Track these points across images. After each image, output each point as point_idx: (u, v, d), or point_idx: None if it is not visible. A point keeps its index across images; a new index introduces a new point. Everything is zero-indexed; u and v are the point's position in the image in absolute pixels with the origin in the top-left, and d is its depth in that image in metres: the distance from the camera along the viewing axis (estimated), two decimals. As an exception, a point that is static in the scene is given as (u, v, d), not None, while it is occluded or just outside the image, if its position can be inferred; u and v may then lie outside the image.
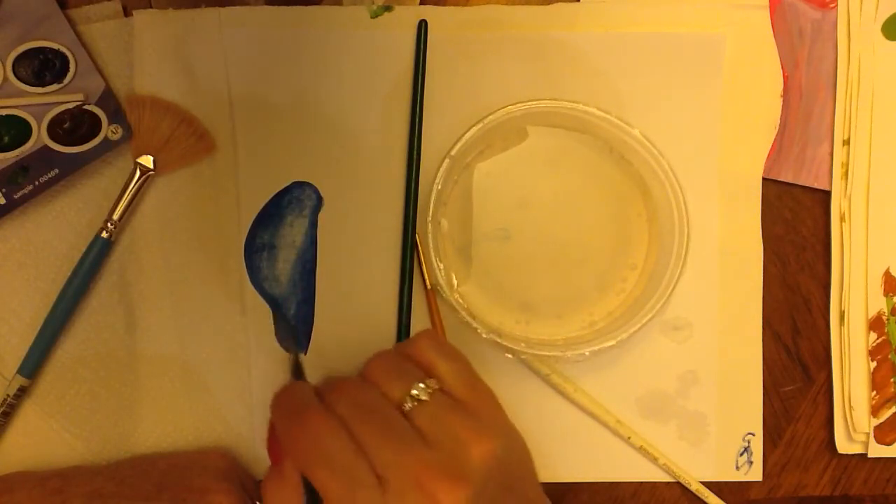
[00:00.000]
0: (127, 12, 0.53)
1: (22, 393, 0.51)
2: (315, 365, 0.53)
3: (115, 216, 0.51)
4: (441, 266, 0.52)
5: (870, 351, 0.53)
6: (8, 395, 0.51)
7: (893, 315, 0.53)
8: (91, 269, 0.51)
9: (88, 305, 0.52)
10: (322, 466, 0.38)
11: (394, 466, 0.37)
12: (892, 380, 0.53)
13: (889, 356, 0.53)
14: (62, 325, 0.52)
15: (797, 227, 0.54)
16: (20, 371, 0.51)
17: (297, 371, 0.48)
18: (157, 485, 0.47)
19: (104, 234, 0.51)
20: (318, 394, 0.41)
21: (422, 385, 0.40)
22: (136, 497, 0.47)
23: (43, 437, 0.52)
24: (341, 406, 0.39)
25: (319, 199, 0.53)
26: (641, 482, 0.54)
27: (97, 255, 0.51)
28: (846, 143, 0.53)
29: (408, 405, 0.40)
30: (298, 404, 0.40)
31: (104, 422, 0.52)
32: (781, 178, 0.54)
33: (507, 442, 0.40)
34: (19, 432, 0.52)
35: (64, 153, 0.51)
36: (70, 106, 0.51)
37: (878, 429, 0.53)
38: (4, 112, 0.50)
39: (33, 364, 0.51)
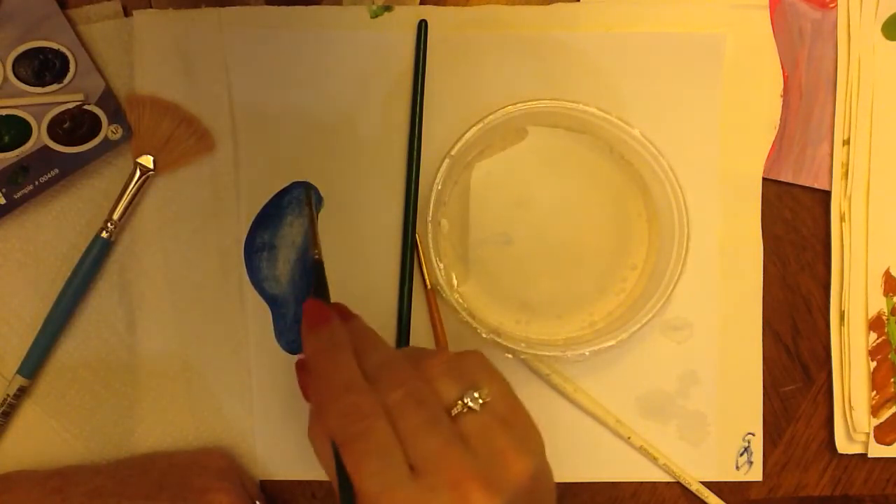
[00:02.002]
0: (127, 12, 0.53)
1: (22, 393, 0.51)
2: (315, 365, 0.53)
3: (115, 216, 0.51)
4: (441, 266, 0.52)
5: (870, 351, 0.53)
6: (8, 395, 0.51)
7: (893, 315, 0.53)
8: (91, 269, 0.51)
9: (88, 305, 0.52)
10: (357, 442, 0.37)
11: (433, 460, 0.37)
12: (892, 380, 0.53)
13: (889, 356, 0.53)
14: (62, 325, 0.52)
15: (797, 227, 0.54)
16: (20, 371, 0.51)
17: (321, 287, 0.46)
18: (157, 483, 0.47)
19: (104, 234, 0.51)
20: (359, 365, 0.41)
21: (475, 394, 0.40)
22: (136, 496, 0.47)
23: (43, 437, 0.52)
24: (393, 393, 0.39)
25: (319, 199, 0.53)
26: (641, 482, 0.54)
27: (97, 255, 0.51)
28: (846, 143, 0.53)
29: (456, 410, 0.39)
30: (344, 377, 0.40)
31: (104, 421, 0.52)
32: (781, 178, 0.54)
33: (541, 467, 0.40)
34: (19, 432, 0.52)
35: (64, 153, 0.51)
36: (70, 106, 0.51)
37: (878, 429, 0.53)
38: (4, 112, 0.50)
39: (33, 364, 0.51)
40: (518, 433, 0.40)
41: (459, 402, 0.40)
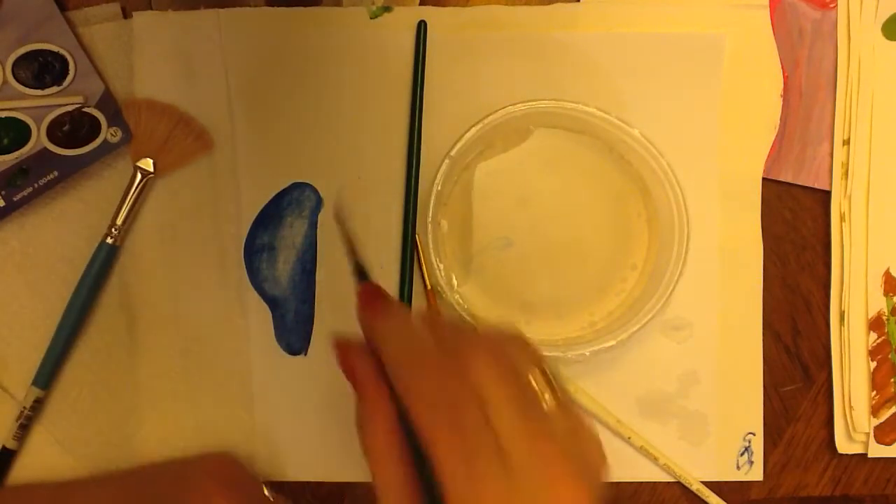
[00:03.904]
0: (126, 14, 0.53)
1: (38, 404, 0.52)
2: (315, 365, 0.53)
3: (119, 221, 0.51)
4: (441, 266, 0.52)
5: (870, 351, 0.53)
6: (24, 408, 0.51)
7: (893, 315, 0.53)
8: (99, 277, 0.51)
9: (89, 307, 0.52)
10: (448, 428, 0.34)
11: (527, 443, 0.34)
12: (892, 380, 0.53)
13: (889, 356, 0.53)
14: (73, 335, 0.52)
15: (797, 227, 0.54)
16: (35, 383, 0.51)
17: (362, 273, 0.42)
18: (160, 496, 0.47)
19: (109, 240, 0.51)
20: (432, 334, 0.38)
21: (562, 385, 0.37)
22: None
23: (44, 440, 0.52)
24: (481, 364, 0.35)
25: (319, 200, 0.53)
26: (641, 482, 0.54)
27: (104, 262, 0.51)
28: (846, 143, 0.53)
29: (548, 400, 0.36)
30: (420, 347, 0.37)
31: (106, 423, 0.52)
32: (781, 178, 0.54)
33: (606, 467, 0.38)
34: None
35: (63, 155, 0.51)
36: (69, 108, 0.51)
37: (878, 429, 0.53)
38: (4, 114, 0.50)
39: (48, 375, 0.51)
40: (594, 432, 0.38)
41: (548, 389, 0.37)
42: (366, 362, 0.38)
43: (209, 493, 0.46)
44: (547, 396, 0.36)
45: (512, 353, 0.37)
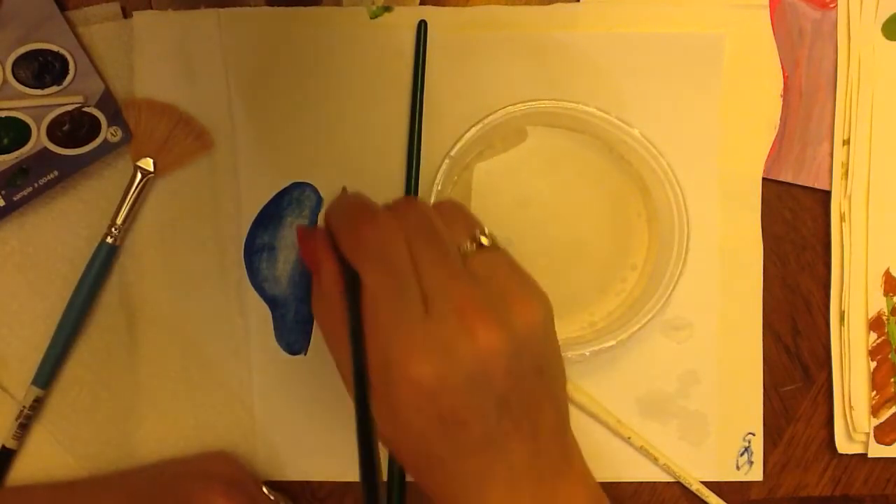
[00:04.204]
0: (126, 14, 0.53)
1: (38, 404, 0.51)
2: (315, 365, 0.53)
3: (119, 220, 0.51)
4: (441, 266, 0.52)
5: (870, 351, 0.53)
6: (24, 407, 0.51)
7: (893, 315, 0.53)
8: (99, 276, 0.51)
9: (88, 307, 0.52)
10: (379, 264, 0.38)
11: (441, 289, 0.37)
12: (892, 380, 0.53)
13: (889, 356, 0.53)
14: (73, 335, 0.52)
15: (797, 227, 0.54)
16: (34, 382, 0.51)
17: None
18: (160, 497, 0.47)
19: (109, 240, 0.51)
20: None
21: (487, 233, 0.40)
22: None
23: (44, 440, 0.52)
24: (408, 220, 0.39)
25: (319, 200, 0.53)
26: (641, 482, 0.54)
27: (104, 262, 0.51)
28: (846, 143, 0.53)
29: (468, 245, 0.39)
30: (365, 208, 0.40)
31: (105, 423, 0.52)
32: (781, 178, 0.54)
33: (549, 317, 0.40)
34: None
35: (63, 155, 0.51)
36: (69, 108, 0.51)
37: (878, 429, 0.53)
38: (4, 114, 0.50)
39: (47, 374, 0.51)
40: (527, 279, 0.40)
41: (469, 240, 0.40)
42: (324, 243, 0.41)
43: (209, 494, 0.46)
44: (475, 251, 0.40)
45: (444, 213, 0.41)
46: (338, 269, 0.40)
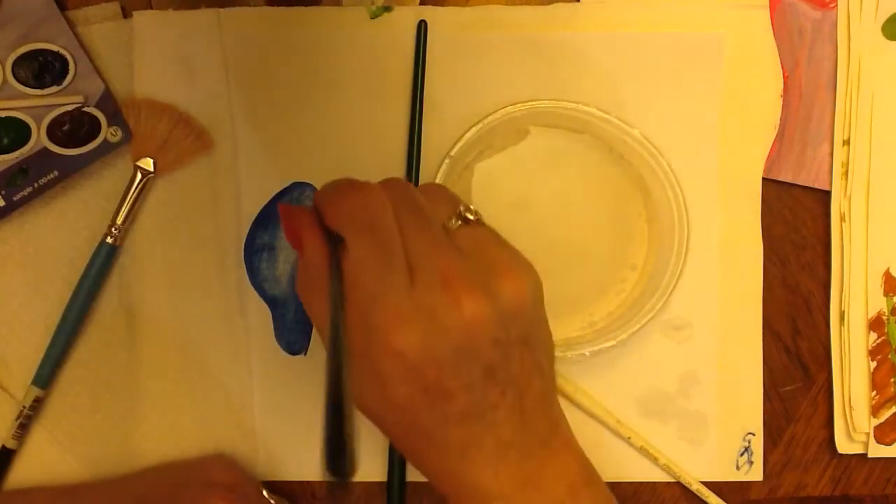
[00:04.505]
0: (126, 14, 0.53)
1: (38, 404, 0.51)
2: (315, 365, 0.53)
3: (119, 220, 0.51)
4: (441, 266, 0.52)
5: (870, 351, 0.53)
6: (24, 407, 0.51)
7: (893, 315, 0.53)
8: (99, 276, 0.51)
9: (89, 307, 0.52)
10: (365, 232, 0.37)
11: (427, 259, 0.37)
12: (892, 380, 0.53)
13: (889, 356, 0.53)
14: (73, 335, 0.52)
15: (797, 227, 0.54)
16: (34, 382, 0.51)
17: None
18: (159, 500, 0.48)
19: (109, 240, 0.51)
20: None
21: (472, 208, 0.40)
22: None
23: (44, 440, 0.52)
24: (392, 193, 0.39)
25: (319, 200, 0.53)
26: (641, 482, 0.54)
27: (104, 262, 0.51)
28: (846, 143, 0.53)
29: (452, 222, 0.39)
30: (351, 180, 0.40)
31: (105, 423, 0.52)
32: (781, 178, 0.54)
33: (535, 289, 0.39)
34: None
35: (63, 155, 0.51)
36: (69, 108, 0.51)
37: (878, 429, 0.53)
38: (4, 114, 0.50)
39: (47, 374, 0.51)
40: (514, 252, 0.40)
41: (455, 215, 0.40)
42: (308, 219, 0.40)
43: (208, 496, 0.46)
44: (460, 225, 0.40)
45: (430, 192, 0.41)
46: (322, 243, 0.39)
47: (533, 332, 0.39)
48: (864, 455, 0.53)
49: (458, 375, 0.36)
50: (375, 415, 0.39)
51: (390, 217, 0.38)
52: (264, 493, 0.50)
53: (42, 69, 0.51)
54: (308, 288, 0.40)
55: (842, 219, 0.53)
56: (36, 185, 0.51)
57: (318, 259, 0.39)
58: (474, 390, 0.36)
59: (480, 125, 0.52)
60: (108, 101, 0.51)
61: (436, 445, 0.38)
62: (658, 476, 0.53)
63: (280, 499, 0.51)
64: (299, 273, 0.41)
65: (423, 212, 0.39)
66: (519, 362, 0.38)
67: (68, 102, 0.51)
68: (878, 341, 0.53)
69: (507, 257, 0.39)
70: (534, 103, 0.52)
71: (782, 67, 0.53)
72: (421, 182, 0.52)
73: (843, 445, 0.53)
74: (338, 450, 0.34)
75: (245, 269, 0.53)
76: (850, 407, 0.53)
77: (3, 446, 0.51)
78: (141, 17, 0.52)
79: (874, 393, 0.53)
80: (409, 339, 0.36)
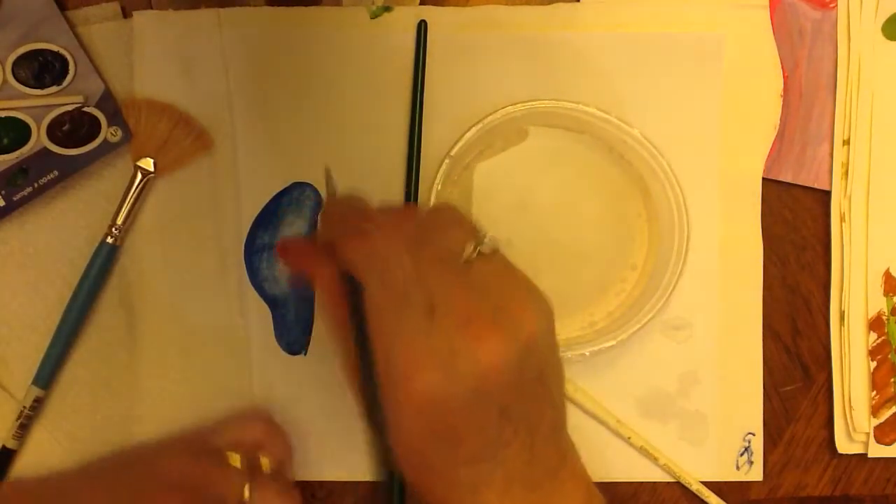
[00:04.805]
0: (126, 14, 0.53)
1: (38, 404, 0.51)
2: (315, 365, 0.53)
3: (119, 220, 0.51)
4: (441, 266, 0.51)
5: (870, 351, 0.53)
6: (24, 407, 0.51)
7: (893, 315, 0.53)
8: (99, 276, 0.51)
9: (89, 307, 0.52)
10: (381, 276, 0.37)
11: (445, 298, 0.36)
12: (892, 380, 0.53)
13: (889, 356, 0.53)
14: (74, 335, 0.52)
15: (797, 227, 0.54)
16: (35, 382, 0.51)
17: (331, 185, 0.46)
18: (115, 474, 0.46)
19: (109, 240, 0.51)
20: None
21: (487, 240, 0.39)
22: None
23: (44, 440, 0.52)
24: (407, 228, 0.39)
25: (319, 200, 0.53)
26: (641, 482, 0.54)
27: (104, 262, 0.51)
28: (846, 143, 0.53)
29: (469, 251, 0.39)
30: (361, 215, 0.40)
31: (104, 423, 0.52)
32: (781, 178, 0.54)
33: (549, 324, 0.39)
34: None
35: (63, 155, 0.51)
36: (69, 108, 0.51)
37: (878, 429, 0.53)
38: (4, 114, 0.50)
39: (48, 374, 0.51)
40: (528, 285, 0.40)
41: (471, 244, 0.39)
42: (315, 251, 0.41)
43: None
44: (476, 258, 0.39)
45: (442, 219, 0.40)
46: (334, 275, 0.39)
47: (547, 367, 0.39)
48: (864, 455, 0.53)
49: (470, 419, 0.36)
50: None
51: (405, 258, 0.37)
52: (231, 460, 0.47)
53: (42, 69, 0.51)
54: (326, 312, 0.40)
55: (842, 219, 0.53)
56: (36, 185, 0.51)
57: (333, 290, 0.39)
58: (487, 432, 0.36)
59: (480, 125, 0.52)
60: (108, 101, 0.51)
61: (444, 481, 0.37)
62: (658, 476, 0.53)
63: (250, 456, 0.47)
64: (318, 297, 0.42)
65: (438, 246, 0.39)
66: (532, 399, 0.38)
67: (68, 102, 0.51)
68: (878, 341, 0.53)
69: (522, 291, 0.39)
70: (534, 103, 0.52)
71: (782, 67, 0.53)
72: (420, 183, 0.52)
73: (843, 445, 0.53)
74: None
75: (245, 269, 0.53)
76: (850, 407, 0.53)
77: (4, 446, 0.51)
78: (141, 17, 0.52)
79: (874, 393, 0.53)
80: (427, 378, 0.35)
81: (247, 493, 0.45)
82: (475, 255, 0.39)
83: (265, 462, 0.48)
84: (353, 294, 0.39)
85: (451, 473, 0.37)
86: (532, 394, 0.38)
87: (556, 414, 0.39)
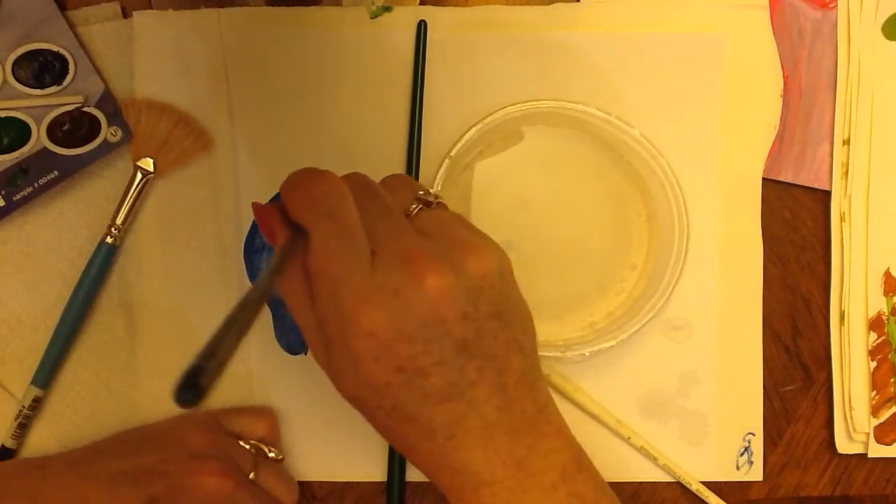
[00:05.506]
0: (126, 13, 0.53)
1: (37, 404, 0.51)
2: (315, 366, 0.53)
3: (119, 220, 0.51)
4: (441, 266, 0.51)
5: (870, 351, 0.53)
6: (24, 407, 0.51)
7: (893, 315, 0.53)
8: (98, 276, 0.51)
9: (88, 307, 0.52)
10: (325, 219, 0.38)
11: (388, 241, 0.37)
12: (892, 380, 0.53)
13: (889, 356, 0.53)
14: (73, 334, 0.52)
15: (797, 227, 0.54)
16: (34, 382, 0.51)
17: None
18: (136, 444, 0.47)
19: (109, 240, 0.51)
20: None
21: (432, 191, 0.40)
22: (117, 456, 0.46)
23: (44, 439, 0.52)
24: (353, 184, 0.39)
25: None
26: (641, 482, 0.54)
27: (104, 262, 0.51)
28: (846, 143, 0.53)
29: (413, 207, 0.40)
30: (312, 169, 0.40)
31: (104, 423, 0.52)
32: (781, 178, 0.54)
33: (504, 266, 0.39)
34: (20, 434, 0.52)
35: (63, 155, 0.51)
36: (69, 108, 0.51)
37: (878, 429, 0.53)
38: (4, 114, 0.50)
39: (47, 374, 0.51)
40: (479, 232, 0.40)
41: (415, 199, 0.40)
42: (276, 214, 0.41)
43: (196, 471, 0.45)
44: (421, 210, 0.41)
45: (392, 182, 0.42)
46: (289, 235, 0.40)
47: (506, 308, 0.39)
48: (864, 455, 0.53)
49: (429, 350, 0.36)
50: (357, 400, 0.39)
51: (350, 204, 0.38)
52: (241, 443, 0.49)
53: (42, 69, 0.51)
54: (289, 291, 0.40)
55: (842, 219, 0.53)
56: (36, 185, 0.51)
57: (299, 272, 0.39)
58: (449, 366, 0.37)
59: (480, 125, 0.52)
60: (108, 101, 0.51)
61: (421, 428, 0.38)
62: (658, 476, 0.53)
63: (256, 443, 0.50)
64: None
65: (384, 199, 0.40)
66: (493, 338, 0.38)
67: (68, 102, 0.51)
68: (878, 341, 0.53)
69: (470, 235, 0.39)
70: (534, 103, 0.52)
71: (782, 67, 0.53)
72: (421, 182, 0.52)
73: (843, 445, 0.53)
74: (203, 373, 0.33)
75: (245, 268, 0.53)
76: (850, 407, 0.53)
77: (3, 446, 0.51)
78: (141, 17, 0.52)
79: (874, 393, 0.53)
80: (375, 317, 0.36)
81: (252, 474, 0.47)
82: (420, 206, 0.40)
83: (270, 450, 0.50)
84: (290, 236, 0.39)
85: (424, 414, 0.37)
86: (492, 333, 0.38)
87: (528, 363, 0.39)
